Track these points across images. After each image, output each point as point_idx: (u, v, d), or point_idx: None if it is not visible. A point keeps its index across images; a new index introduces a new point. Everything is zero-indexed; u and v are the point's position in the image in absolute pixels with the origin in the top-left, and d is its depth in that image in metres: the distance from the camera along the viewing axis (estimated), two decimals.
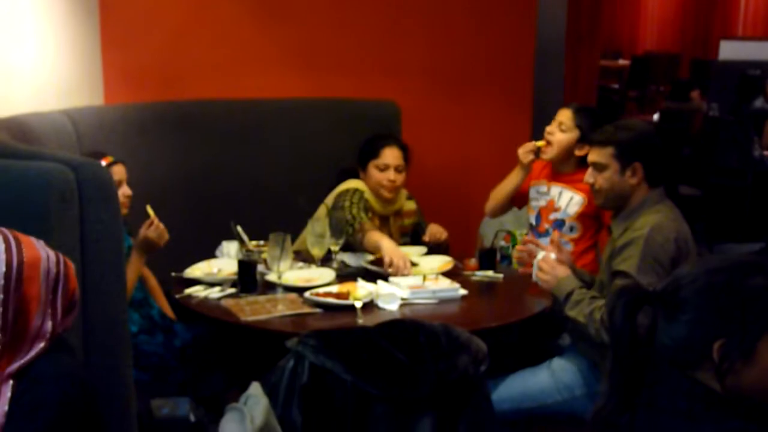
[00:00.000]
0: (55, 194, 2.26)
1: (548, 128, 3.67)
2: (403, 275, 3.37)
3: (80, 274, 2.33)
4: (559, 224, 3.67)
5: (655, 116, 9.04)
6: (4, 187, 2.24)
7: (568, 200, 3.63)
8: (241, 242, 3.58)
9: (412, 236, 4.05)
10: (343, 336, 2.38)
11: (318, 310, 3.07)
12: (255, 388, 1.97)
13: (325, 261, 3.61)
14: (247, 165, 4.30)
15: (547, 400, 3.04)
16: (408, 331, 2.37)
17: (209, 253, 3.68)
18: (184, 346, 3.32)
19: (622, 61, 13.44)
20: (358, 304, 3.04)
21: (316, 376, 2.30)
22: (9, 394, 1.76)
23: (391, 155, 3.89)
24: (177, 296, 3.25)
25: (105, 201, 2.41)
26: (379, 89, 4.64)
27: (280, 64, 4.60)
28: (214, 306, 3.16)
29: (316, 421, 2.30)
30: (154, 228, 3.24)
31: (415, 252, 3.74)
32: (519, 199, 3.88)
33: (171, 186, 4.02)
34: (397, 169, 3.89)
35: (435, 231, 3.86)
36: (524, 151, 3.73)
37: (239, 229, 3.59)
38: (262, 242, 3.51)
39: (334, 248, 3.61)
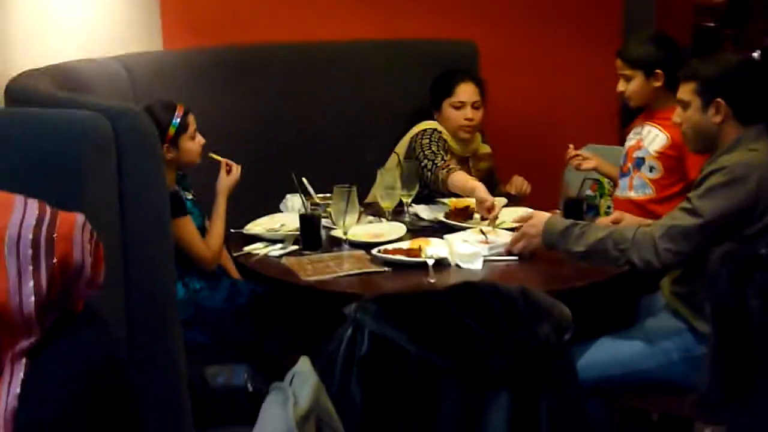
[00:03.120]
0: (89, 145, 2.05)
1: (618, 88, 3.43)
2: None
3: (118, 233, 2.14)
4: (639, 162, 3.38)
5: (756, 54, 8.53)
6: (34, 137, 2.05)
7: (653, 138, 3.34)
8: (307, 195, 3.36)
9: (485, 182, 3.77)
10: (407, 301, 2.11)
11: (386, 268, 2.82)
12: (303, 364, 1.73)
13: (397, 214, 3.37)
14: (312, 113, 4.04)
15: (640, 366, 2.74)
16: (481, 295, 2.09)
17: (274, 208, 3.46)
18: (247, 303, 3.10)
19: None
20: (431, 262, 2.78)
21: (377, 347, 2.04)
22: (22, 375, 1.55)
23: (466, 91, 3.68)
24: (235, 254, 3.04)
25: (145, 151, 2.22)
26: (455, 28, 4.36)
27: (347, 3, 4.32)
28: (274, 264, 2.95)
29: (378, 396, 2.05)
30: (235, 169, 3.16)
31: (498, 203, 3.47)
32: None
33: (231, 136, 3.75)
34: (474, 106, 3.68)
35: (520, 183, 3.62)
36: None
37: (304, 181, 3.37)
38: (329, 195, 3.28)
39: (406, 200, 3.37)
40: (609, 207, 3.66)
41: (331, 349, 2.08)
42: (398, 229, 3.18)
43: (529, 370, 2.06)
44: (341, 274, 2.77)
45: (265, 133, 3.92)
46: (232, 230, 3.23)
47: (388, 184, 3.28)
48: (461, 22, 4.43)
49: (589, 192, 3.69)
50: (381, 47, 4.25)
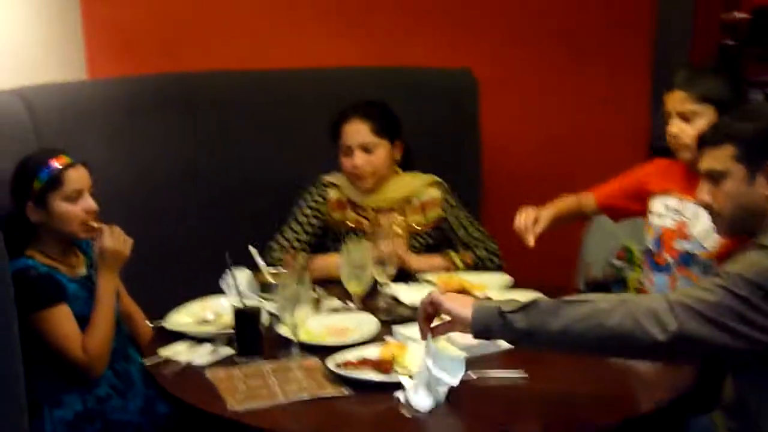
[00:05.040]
0: None
1: (670, 129, 2.66)
2: None
3: None
4: (686, 259, 2.66)
5: None
6: None
7: (708, 227, 2.53)
8: (256, 271, 2.65)
9: (436, 238, 3.11)
10: None
11: (347, 391, 2.07)
12: None
13: (371, 297, 2.65)
14: (277, 159, 3.42)
15: None
16: None
17: (214, 286, 2.68)
18: (174, 414, 2.49)
19: (738, 14, 12.30)
20: (408, 384, 2.02)
21: None
22: None
23: (352, 133, 3.03)
24: (146, 363, 2.30)
25: None
26: (451, 55, 3.82)
27: (324, 24, 3.75)
28: (194, 380, 2.18)
29: None
30: (108, 234, 2.48)
31: (494, 284, 2.72)
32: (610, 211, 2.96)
33: (169, 190, 3.21)
34: (365, 149, 3.03)
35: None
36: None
37: (252, 250, 2.67)
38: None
39: (381, 279, 2.64)
40: (641, 282, 2.91)
41: None
42: (369, 322, 2.44)
43: None
44: (281, 401, 2.02)
45: (212, 187, 3.32)
46: (150, 324, 2.51)
47: (356, 262, 2.56)
48: (458, 47, 3.88)
49: (614, 261, 2.97)
50: (363, 75, 3.62)
